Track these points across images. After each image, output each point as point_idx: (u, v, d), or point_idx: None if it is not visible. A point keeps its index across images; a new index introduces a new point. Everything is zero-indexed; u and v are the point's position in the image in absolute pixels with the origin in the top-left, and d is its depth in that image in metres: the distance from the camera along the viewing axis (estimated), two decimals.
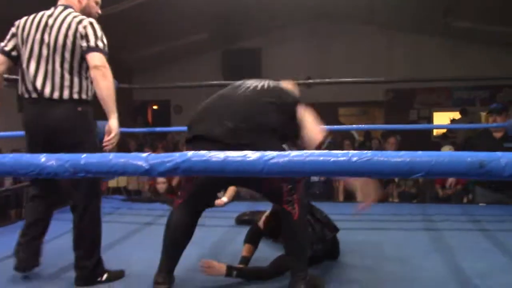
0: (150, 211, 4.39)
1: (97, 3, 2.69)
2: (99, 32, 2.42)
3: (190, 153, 0.93)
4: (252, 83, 2.43)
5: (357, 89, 9.35)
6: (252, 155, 0.90)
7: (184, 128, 2.49)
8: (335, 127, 5.21)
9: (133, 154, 0.96)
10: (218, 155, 0.91)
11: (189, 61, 11.77)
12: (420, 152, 0.92)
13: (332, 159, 0.88)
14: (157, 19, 8.89)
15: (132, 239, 3.49)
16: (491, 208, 4.24)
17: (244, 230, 2.90)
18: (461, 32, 9.81)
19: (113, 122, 2.42)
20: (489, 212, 4.08)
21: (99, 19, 2.58)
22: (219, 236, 3.44)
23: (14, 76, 2.79)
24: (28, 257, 2.56)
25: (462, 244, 3.17)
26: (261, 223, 2.76)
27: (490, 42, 9.99)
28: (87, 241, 2.49)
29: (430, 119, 11.63)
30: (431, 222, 3.86)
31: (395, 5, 9.05)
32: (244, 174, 0.90)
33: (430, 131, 11.64)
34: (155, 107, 13.44)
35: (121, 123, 2.56)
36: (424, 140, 10.31)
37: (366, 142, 9.44)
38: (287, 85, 2.61)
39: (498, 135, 4.35)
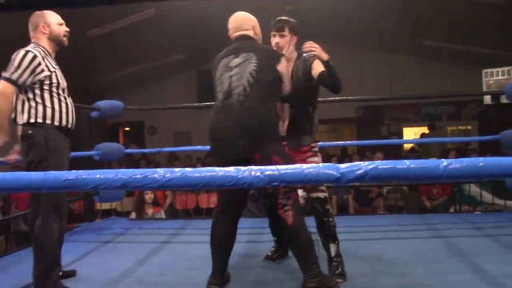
0: (161, 230, 4.43)
1: (60, 24, 2.84)
2: (17, 62, 2.59)
3: (377, 162, 1.06)
4: (239, 82, 2.58)
5: (328, 106, 9.57)
6: (432, 162, 1.05)
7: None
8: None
9: (325, 164, 1.08)
10: (402, 163, 1.05)
11: (163, 81, 11.80)
12: None
13: (503, 163, 1.03)
14: (133, 41, 8.96)
15: (158, 257, 3.52)
16: (487, 215, 4.50)
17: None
18: (430, 51, 10.30)
19: None
20: (487, 219, 4.33)
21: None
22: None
23: None
24: None
25: (477, 249, 3.36)
26: None
27: (456, 60, 10.52)
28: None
29: (400, 134, 12.07)
30: (437, 230, 4.05)
31: (367, 25, 9.43)
32: (425, 180, 1.03)
33: (401, 145, 12.06)
34: (127, 128, 13.36)
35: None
36: (396, 154, 10.69)
37: (344, 158, 9.68)
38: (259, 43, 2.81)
39: None
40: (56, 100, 2.71)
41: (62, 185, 1.12)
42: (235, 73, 2.62)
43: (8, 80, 2.57)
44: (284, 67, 2.70)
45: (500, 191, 5.77)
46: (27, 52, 2.63)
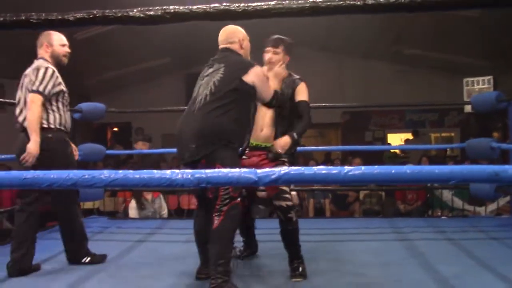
0: (139, 229, 4.58)
1: (63, 45, 3.26)
2: (41, 77, 3.06)
3: (289, 168, 1.24)
4: (203, 90, 2.76)
5: (314, 111, 9.77)
6: (335, 169, 1.23)
7: None
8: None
9: (245, 169, 1.25)
10: (310, 169, 1.22)
11: (151, 83, 11.94)
12: (454, 166, 1.27)
13: (393, 171, 1.21)
14: (121, 44, 9.10)
15: (131, 254, 3.67)
16: (452, 220, 4.69)
17: None
18: (410, 58, 10.53)
19: (30, 144, 2.99)
20: (452, 224, 4.54)
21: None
22: None
23: None
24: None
25: (434, 251, 3.55)
26: None
27: (439, 68, 10.77)
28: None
29: (384, 140, 12.29)
30: (402, 233, 4.25)
31: (349, 34, 9.63)
32: (328, 183, 1.21)
33: (385, 151, 12.26)
34: (115, 129, 13.48)
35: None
36: (379, 160, 10.90)
37: (327, 163, 9.88)
38: (235, 51, 2.90)
39: None
40: (66, 110, 3.24)
41: (21, 183, 1.29)
42: (204, 82, 2.81)
43: (37, 92, 3.04)
44: (258, 78, 2.79)
45: (472, 197, 5.98)
46: (47, 68, 3.09)
